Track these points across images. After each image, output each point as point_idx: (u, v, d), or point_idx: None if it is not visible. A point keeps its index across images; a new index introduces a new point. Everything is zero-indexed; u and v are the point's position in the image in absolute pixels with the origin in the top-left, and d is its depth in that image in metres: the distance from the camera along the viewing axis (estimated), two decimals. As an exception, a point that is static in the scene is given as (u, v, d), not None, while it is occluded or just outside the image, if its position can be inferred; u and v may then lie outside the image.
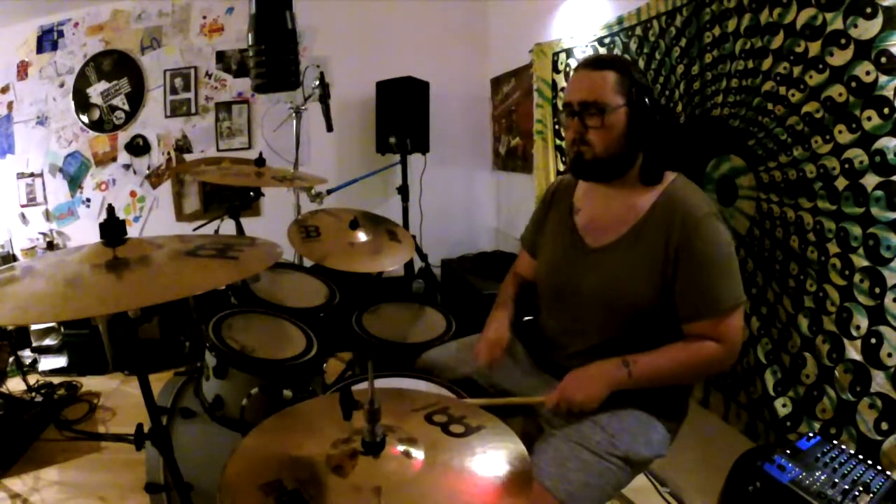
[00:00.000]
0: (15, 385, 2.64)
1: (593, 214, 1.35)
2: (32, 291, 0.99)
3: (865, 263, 1.18)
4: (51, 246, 3.51)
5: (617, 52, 2.11)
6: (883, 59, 1.10)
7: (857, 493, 0.92)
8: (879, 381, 1.15)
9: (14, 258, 3.52)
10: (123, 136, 3.57)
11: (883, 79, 1.11)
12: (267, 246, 1.24)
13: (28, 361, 3.04)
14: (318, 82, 2.59)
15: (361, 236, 2.03)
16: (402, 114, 3.30)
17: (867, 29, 1.13)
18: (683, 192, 1.24)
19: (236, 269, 1.11)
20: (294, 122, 2.89)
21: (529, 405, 1.28)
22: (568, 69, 2.53)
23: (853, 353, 1.21)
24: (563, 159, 2.56)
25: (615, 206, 1.30)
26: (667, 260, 1.20)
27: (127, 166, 3.61)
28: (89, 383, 2.87)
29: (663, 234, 1.20)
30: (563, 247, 1.38)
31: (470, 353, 1.43)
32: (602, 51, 2.21)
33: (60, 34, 3.48)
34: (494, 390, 1.40)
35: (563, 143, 1.32)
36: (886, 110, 1.10)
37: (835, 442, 1.05)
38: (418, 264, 3.08)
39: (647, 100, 1.21)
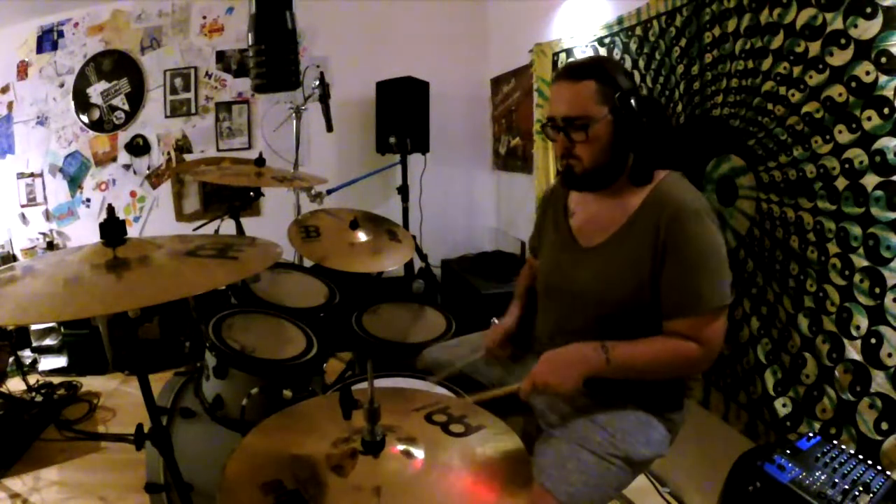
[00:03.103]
0: (15, 385, 2.64)
1: (587, 216, 1.36)
2: (32, 291, 0.99)
3: (865, 263, 1.18)
4: (51, 246, 3.51)
5: (617, 52, 2.11)
6: (883, 59, 1.10)
7: (857, 493, 0.92)
8: (879, 381, 1.15)
9: (14, 258, 3.52)
10: (123, 136, 3.57)
11: (883, 79, 1.11)
12: (267, 246, 1.24)
13: (28, 361, 3.04)
14: (318, 82, 2.59)
15: (361, 236, 2.03)
16: (402, 114, 3.30)
17: (867, 29, 1.13)
18: (673, 188, 1.23)
19: (236, 269, 1.11)
20: (294, 122, 2.89)
21: (510, 394, 1.25)
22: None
23: (853, 353, 1.21)
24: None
25: (607, 208, 1.30)
26: (655, 256, 1.19)
27: (127, 166, 3.61)
28: (89, 383, 2.87)
29: (652, 230, 1.20)
30: (559, 249, 1.40)
31: (471, 349, 1.43)
32: (602, 51, 2.21)
33: (60, 34, 3.48)
34: (494, 387, 1.39)
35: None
36: (886, 110, 1.10)
37: (835, 442, 1.06)
38: (418, 264, 3.08)
39: (632, 102, 1.19)
